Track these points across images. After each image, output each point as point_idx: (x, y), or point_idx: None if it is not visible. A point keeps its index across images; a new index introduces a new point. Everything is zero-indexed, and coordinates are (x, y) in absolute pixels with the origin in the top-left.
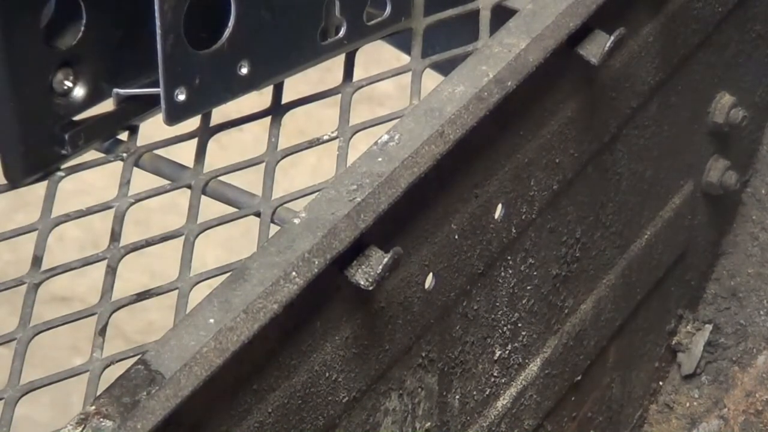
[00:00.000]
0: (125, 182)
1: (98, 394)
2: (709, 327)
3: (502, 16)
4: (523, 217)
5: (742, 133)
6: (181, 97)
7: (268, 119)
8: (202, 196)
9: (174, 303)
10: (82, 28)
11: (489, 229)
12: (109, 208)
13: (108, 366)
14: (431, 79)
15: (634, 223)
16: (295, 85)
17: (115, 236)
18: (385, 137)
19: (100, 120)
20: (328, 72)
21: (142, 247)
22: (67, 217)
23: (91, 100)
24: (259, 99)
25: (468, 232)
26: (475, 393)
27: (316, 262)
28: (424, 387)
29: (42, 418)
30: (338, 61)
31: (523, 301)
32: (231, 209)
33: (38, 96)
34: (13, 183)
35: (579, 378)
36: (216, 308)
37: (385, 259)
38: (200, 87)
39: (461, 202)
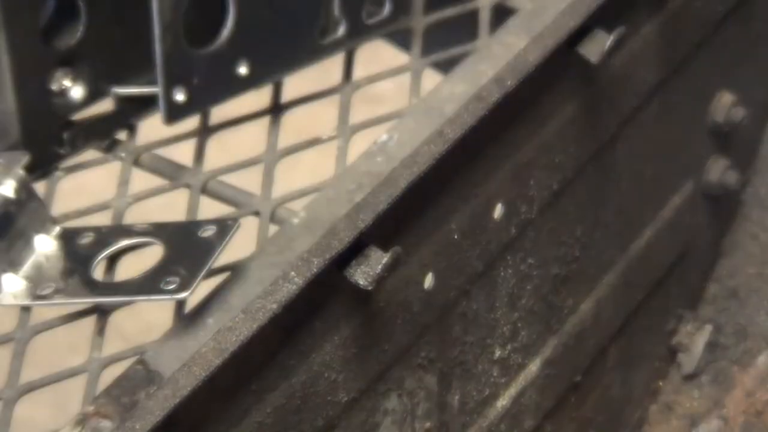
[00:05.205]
0: (124, 182)
1: (97, 394)
2: (709, 327)
3: (501, 15)
4: (523, 216)
5: (743, 133)
6: (180, 97)
7: (267, 119)
8: (201, 196)
9: (173, 303)
10: (81, 28)
11: (488, 229)
12: (108, 207)
13: (107, 366)
14: (431, 78)
15: (634, 223)
16: (294, 85)
17: None
18: (385, 137)
19: (98, 119)
20: (327, 71)
21: (141, 246)
22: (66, 217)
23: (90, 99)
24: (258, 98)
25: (467, 232)
26: (474, 393)
27: (315, 262)
28: (423, 387)
29: (41, 418)
30: (337, 60)
31: (523, 301)
32: (230, 208)
33: (37, 95)
34: None
35: (579, 378)
36: (215, 308)
37: (385, 259)
38: (199, 86)
39: (461, 202)
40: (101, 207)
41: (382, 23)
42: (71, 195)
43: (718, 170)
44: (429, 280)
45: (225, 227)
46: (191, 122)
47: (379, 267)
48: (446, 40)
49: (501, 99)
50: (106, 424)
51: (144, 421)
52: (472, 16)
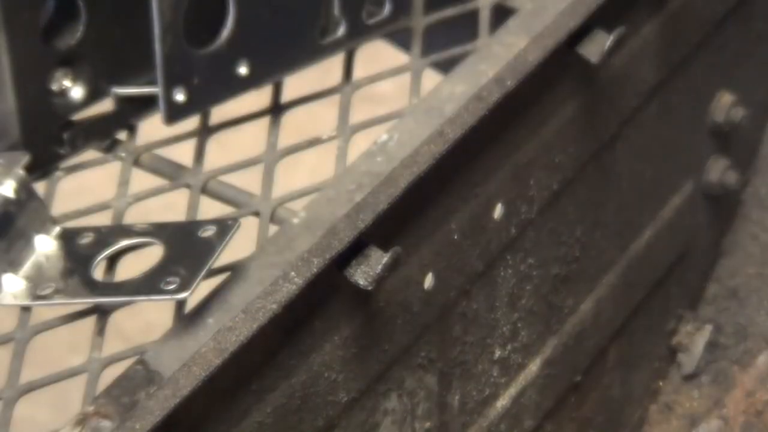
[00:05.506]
0: (124, 182)
1: (97, 394)
2: (709, 327)
3: (501, 15)
4: (523, 216)
5: (743, 133)
6: (180, 97)
7: (267, 119)
8: (201, 196)
9: (173, 303)
10: (81, 28)
11: (489, 229)
12: (108, 207)
13: (107, 366)
14: (431, 78)
15: (634, 223)
16: (294, 85)
17: None
18: (385, 137)
19: (98, 119)
20: (327, 71)
21: (141, 246)
22: (66, 217)
23: (90, 99)
24: (258, 98)
25: (467, 232)
26: (474, 393)
27: (315, 262)
28: (423, 387)
29: (41, 418)
30: (337, 60)
31: (523, 301)
32: (230, 208)
33: (37, 95)
34: None
35: (579, 378)
36: (215, 308)
37: (385, 259)
38: (199, 86)
39: (461, 202)
40: (101, 207)
41: (382, 23)
42: (71, 195)
43: (718, 170)
44: (429, 280)
45: (225, 227)
46: (191, 122)
47: (379, 267)
48: (446, 40)
49: (501, 99)
50: (106, 424)
51: (144, 421)
52: (472, 16)
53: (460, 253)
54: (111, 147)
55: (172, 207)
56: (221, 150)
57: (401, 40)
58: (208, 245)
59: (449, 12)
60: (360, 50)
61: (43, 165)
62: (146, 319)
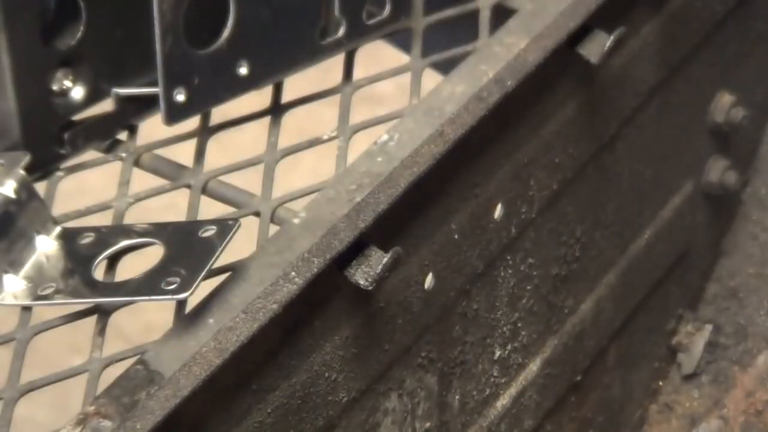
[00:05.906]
0: (124, 182)
1: (97, 394)
2: (709, 327)
3: (501, 15)
4: (523, 216)
5: (742, 133)
6: (180, 97)
7: (267, 119)
8: (202, 196)
9: (173, 303)
10: (82, 28)
11: (489, 229)
12: (109, 208)
13: (107, 366)
14: (431, 78)
15: (634, 223)
16: (294, 85)
17: None
18: (385, 137)
19: (99, 120)
20: (327, 72)
21: (142, 246)
22: (66, 217)
23: (91, 99)
24: (258, 99)
25: (468, 232)
26: (474, 393)
27: (316, 262)
28: (423, 387)
29: (41, 418)
30: (338, 60)
31: (523, 301)
32: (230, 209)
33: (37, 96)
34: None
35: (579, 378)
36: (215, 308)
37: (385, 259)
38: (199, 87)
39: (461, 202)
40: (102, 207)
41: (382, 24)
42: (72, 195)
43: (718, 170)
44: (429, 280)
45: (225, 227)
46: (191, 122)
47: (380, 267)
48: (446, 40)
49: (501, 99)
50: (107, 424)
51: (144, 421)
52: (472, 17)
53: (460, 253)
54: (111, 147)
55: (172, 207)
56: (221, 150)
57: (401, 40)
58: (208, 245)
59: (449, 12)
60: (360, 50)
61: (43, 165)
62: (146, 319)
